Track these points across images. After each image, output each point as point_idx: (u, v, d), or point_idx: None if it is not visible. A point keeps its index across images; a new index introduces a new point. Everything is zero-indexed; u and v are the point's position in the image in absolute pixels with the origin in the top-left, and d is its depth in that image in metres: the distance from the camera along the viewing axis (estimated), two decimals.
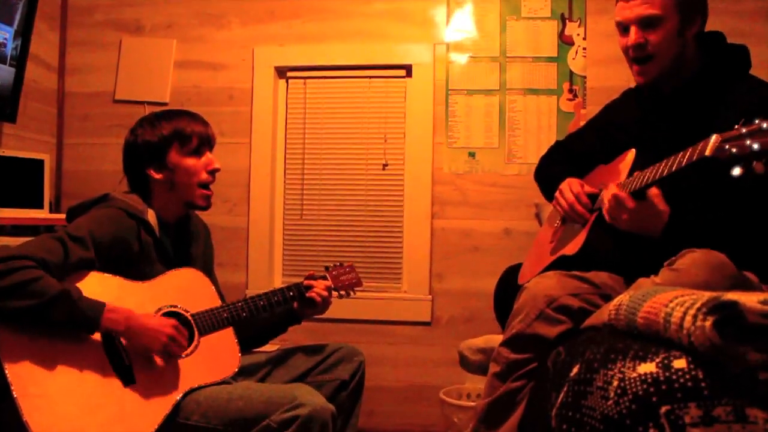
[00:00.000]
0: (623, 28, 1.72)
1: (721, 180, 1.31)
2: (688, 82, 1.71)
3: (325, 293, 1.99)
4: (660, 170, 1.48)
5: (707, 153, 1.31)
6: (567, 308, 1.52)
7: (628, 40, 1.70)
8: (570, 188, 1.81)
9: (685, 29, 1.67)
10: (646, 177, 1.53)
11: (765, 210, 1.53)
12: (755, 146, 1.21)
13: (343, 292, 2.08)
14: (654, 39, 1.66)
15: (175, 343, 1.65)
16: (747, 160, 1.23)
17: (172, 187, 1.85)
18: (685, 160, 1.39)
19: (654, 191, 1.52)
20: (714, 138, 1.30)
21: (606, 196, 1.59)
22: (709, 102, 1.66)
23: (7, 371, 1.46)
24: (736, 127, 1.26)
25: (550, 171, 2.04)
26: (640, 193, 1.55)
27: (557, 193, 1.86)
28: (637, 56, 1.71)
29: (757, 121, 1.22)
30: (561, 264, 1.76)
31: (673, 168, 1.42)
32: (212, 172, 1.89)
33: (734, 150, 1.25)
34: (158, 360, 1.65)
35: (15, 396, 1.44)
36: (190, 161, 1.85)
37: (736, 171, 1.24)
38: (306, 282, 2.01)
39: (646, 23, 1.66)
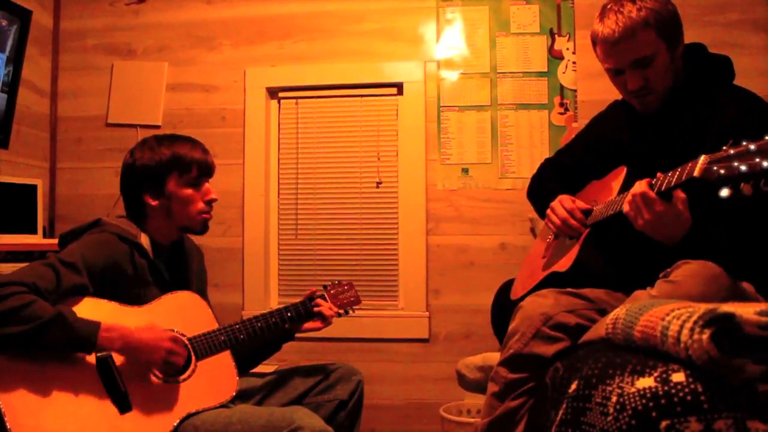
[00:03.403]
0: (615, 72, 1.72)
1: (711, 200, 1.30)
2: (674, 94, 1.71)
3: (330, 312, 2.00)
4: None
5: (695, 174, 1.30)
6: (564, 325, 1.51)
7: (627, 84, 1.70)
8: (562, 204, 1.82)
9: (674, 54, 1.68)
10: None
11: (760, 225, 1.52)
12: (743, 168, 1.19)
13: (341, 311, 2.08)
14: (652, 75, 1.66)
15: (174, 354, 1.63)
16: (735, 181, 1.21)
17: (168, 214, 1.85)
18: (674, 180, 1.39)
19: (681, 195, 1.44)
20: (702, 159, 1.29)
21: (633, 190, 1.50)
22: (697, 114, 1.66)
23: None
24: (724, 148, 1.25)
25: (542, 188, 2.03)
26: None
27: (549, 210, 1.85)
28: (639, 94, 1.71)
29: (744, 143, 1.21)
30: (552, 280, 1.75)
31: (663, 189, 1.42)
32: (209, 203, 1.89)
33: (722, 171, 1.23)
34: (155, 385, 1.64)
35: (8, 427, 1.42)
36: (188, 191, 1.84)
37: (725, 192, 1.23)
38: (316, 298, 2.01)
39: (640, 64, 1.65)
